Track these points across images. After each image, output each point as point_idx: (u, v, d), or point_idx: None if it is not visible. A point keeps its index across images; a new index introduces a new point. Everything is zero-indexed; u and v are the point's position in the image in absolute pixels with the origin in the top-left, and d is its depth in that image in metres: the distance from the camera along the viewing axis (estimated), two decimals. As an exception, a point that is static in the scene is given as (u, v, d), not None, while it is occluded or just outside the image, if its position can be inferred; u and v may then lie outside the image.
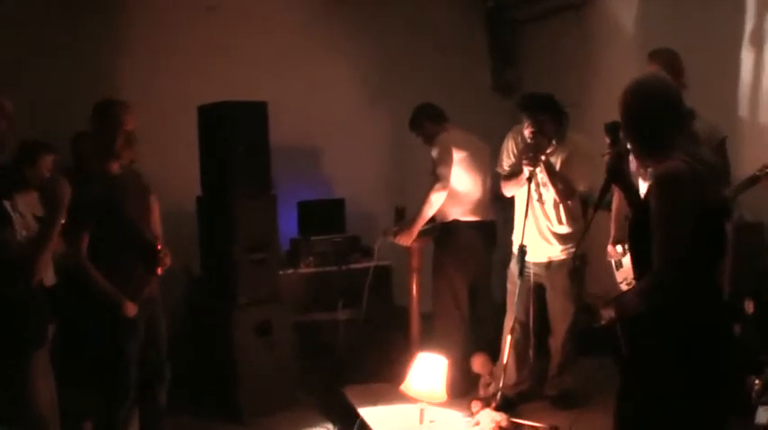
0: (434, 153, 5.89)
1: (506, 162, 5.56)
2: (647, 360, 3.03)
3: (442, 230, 5.97)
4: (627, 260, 4.97)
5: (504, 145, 5.60)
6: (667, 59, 4.75)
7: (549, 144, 5.26)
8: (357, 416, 5.47)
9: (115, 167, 4.38)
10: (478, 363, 5.85)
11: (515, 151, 5.49)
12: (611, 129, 5.39)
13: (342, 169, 7.84)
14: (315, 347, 6.54)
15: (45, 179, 4.07)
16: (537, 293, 5.49)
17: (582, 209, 5.63)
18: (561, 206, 5.38)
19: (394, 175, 7.94)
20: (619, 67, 6.95)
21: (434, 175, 5.82)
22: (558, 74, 7.58)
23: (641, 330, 3.07)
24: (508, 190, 5.53)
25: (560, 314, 5.49)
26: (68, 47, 6.67)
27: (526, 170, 5.17)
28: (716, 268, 2.99)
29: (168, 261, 4.50)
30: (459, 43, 8.41)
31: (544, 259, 5.42)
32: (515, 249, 5.46)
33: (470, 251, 5.88)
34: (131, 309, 4.29)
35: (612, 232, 5.18)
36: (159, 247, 4.46)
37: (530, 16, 8.21)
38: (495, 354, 5.67)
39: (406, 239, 5.91)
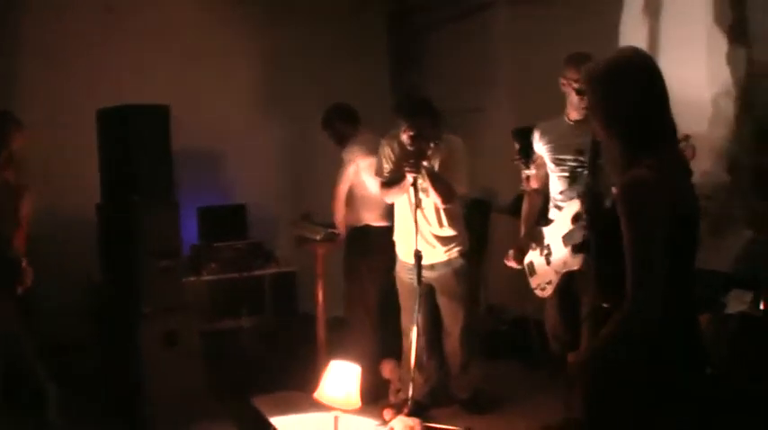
0: (345, 152, 5.90)
1: (386, 168, 5.52)
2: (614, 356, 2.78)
3: (354, 235, 5.93)
4: (539, 264, 5.00)
5: (381, 151, 5.54)
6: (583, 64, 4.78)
7: (428, 147, 5.26)
8: (269, 425, 5.38)
9: None
10: (388, 369, 5.83)
11: (393, 157, 5.46)
12: (520, 134, 5.48)
13: (242, 174, 7.73)
14: (220, 356, 6.41)
15: None
16: (427, 296, 5.49)
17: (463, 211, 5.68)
18: (441, 209, 5.40)
19: (295, 180, 7.88)
20: (522, 72, 7.04)
21: None
22: (461, 78, 7.62)
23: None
24: (390, 196, 5.49)
25: (452, 315, 5.51)
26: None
27: (409, 177, 5.13)
28: (690, 270, 2.79)
29: (30, 280, 4.31)
30: (360, 47, 8.40)
31: (428, 262, 5.41)
32: (400, 253, 5.50)
33: (382, 256, 5.85)
34: None
35: (522, 234, 5.20)
36: (23, 265, 4.26)
37: (432, 21, 8.22)
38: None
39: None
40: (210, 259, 6.88)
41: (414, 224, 5.19)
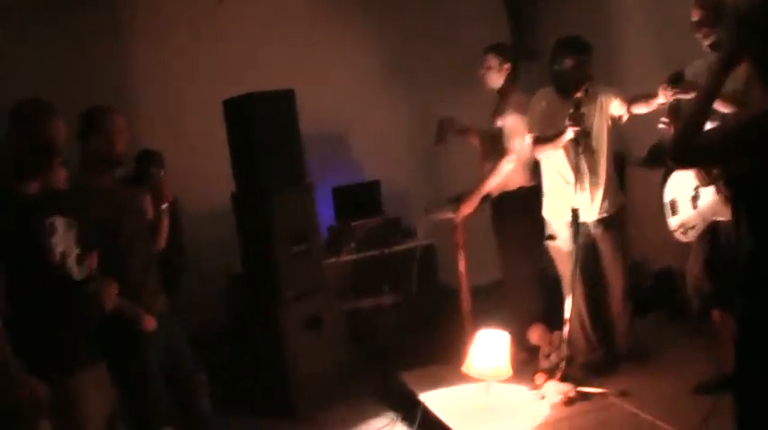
0: (510, 121, 5.55)
1: (539, 123, 5.24)
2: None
3: (506, 198, 5.74)
4: (683, 204, 4.71)
5: (534, 105, 5.28)
6: (713, 3, 4.49)
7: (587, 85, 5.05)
8: (418, 401, 5.30)
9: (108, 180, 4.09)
10: (536, 335, 5.65)
11: (549, 111, 5.19)
12: (676, 79, 5.04)
13: (371, 151, 7.70)
14: (363, 335, 6.40)
15: None
16: (588, 255, 5.29)
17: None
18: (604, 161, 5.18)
19: (424, 152, 7.76)
20: (642, 39, 6.73)
21: (506, 146, 5.57)
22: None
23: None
24: (544, 152, 5.22)
25: (617, 270, 5.33)
26: (78, 46, 6.54)
27: (570, 131, 4.94)
28: None
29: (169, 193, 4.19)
30: (477, 15, 8.20)
31: (595, 216, 5.23)
32: (553, 214, 5.29)
33: (536, 216, 5.61)
34: (150, 323, 4.02)
35: None
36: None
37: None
38: (550, 323, 5.52)
39: (468, 208, 5.65)
40: (349, 239, 6.86)
41: (569, 181, 5.05)
